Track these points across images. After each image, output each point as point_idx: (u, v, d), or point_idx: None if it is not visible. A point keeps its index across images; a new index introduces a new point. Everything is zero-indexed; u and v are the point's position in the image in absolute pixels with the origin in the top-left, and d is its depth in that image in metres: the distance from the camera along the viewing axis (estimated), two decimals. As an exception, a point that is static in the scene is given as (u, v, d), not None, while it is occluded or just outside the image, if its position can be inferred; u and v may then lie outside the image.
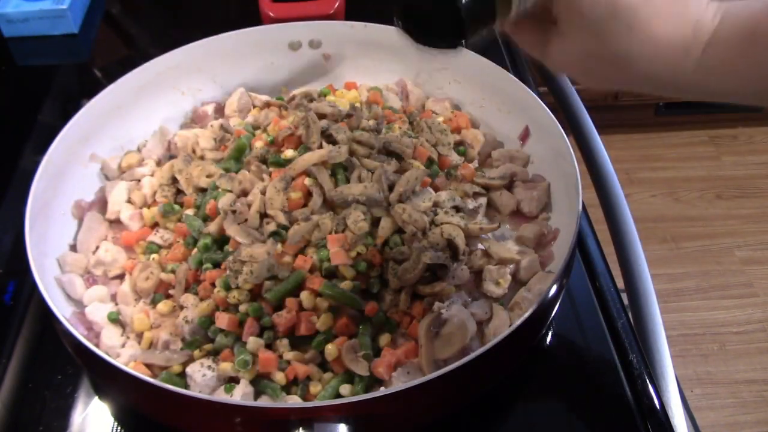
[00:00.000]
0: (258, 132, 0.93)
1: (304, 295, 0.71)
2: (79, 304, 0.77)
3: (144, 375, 0.64)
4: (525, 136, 0.93)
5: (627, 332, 0.77)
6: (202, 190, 0.85)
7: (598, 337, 0.78)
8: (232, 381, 0.69)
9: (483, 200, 0.87)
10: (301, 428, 0.58)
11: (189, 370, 0.69)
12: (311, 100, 0.96)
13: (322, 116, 0.89)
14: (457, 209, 0.82)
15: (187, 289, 0.76)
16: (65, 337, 0.67)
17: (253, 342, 0.69)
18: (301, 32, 1.03)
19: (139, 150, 0.96)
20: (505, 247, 0.81)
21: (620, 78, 0.54)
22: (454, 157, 0.92)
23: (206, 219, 0.81)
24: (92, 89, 0.91)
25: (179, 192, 0.88)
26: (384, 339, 0.72)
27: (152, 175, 0.90)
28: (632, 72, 0.53)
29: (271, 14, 1.13)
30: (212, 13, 1.36)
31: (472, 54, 0.95)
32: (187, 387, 0.69)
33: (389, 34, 0.99)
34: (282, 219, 0.77)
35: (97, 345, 0.71)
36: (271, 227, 0.77)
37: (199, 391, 0.68)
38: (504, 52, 1.16)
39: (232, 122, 0.98)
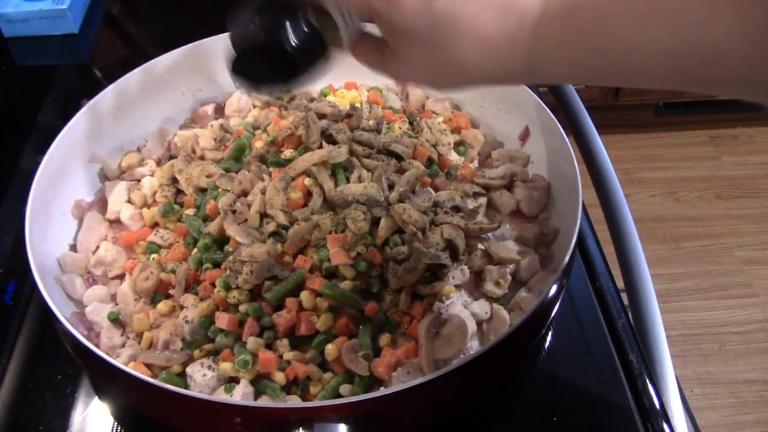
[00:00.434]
0: (258, 132, 0.93)
1: (304, 295, 0.71)
2: (79, 304, 0.77)
3: (144, 375, 0.64)
4: (525, 136, 0.93)
5: (627, 332, 0.77)
6: (202, 190, 0.85)
7: (598, 337, 0.78)
8: (232, 381, 0.69)
9: (483, 200, 0.87)
10: (301, 428, 0.58)
11: (189, 370, 0.69)
12: (311, 100, 0.96)
13: (322, 116, 0.89)
14: (457, 209, 0.82)
15: (187, 289, 0.76)
16: (65, 337, 0.67)
17: (253, 342, 0.69)
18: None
19: (139, 150, 0.96)
20: (505, 247, 0.81)
21: (463, 81, 0.55)
22: (454, 157, 0.92)
23: (206, 219, 0.81)
24: (92, 89, 0.91)
25: (179, 192, 0.88)
26: (384, 339, 0.72)
27: (152, 175, 0.90)
28: (471, 74, 0.53)
29: (271, 14, 1.13)
30: (212, 13, 1.36)
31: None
32: (187, 387, 0.69)
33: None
34: (282, 219, 0.77)
35: (97, 345, 0.71)
36: (271, 227, 0.77)
37: (199, 391, 0.68)
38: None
39: (232, 122, 0.98)
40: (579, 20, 0.48)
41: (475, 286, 0.78)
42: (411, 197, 0.80)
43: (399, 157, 0.85)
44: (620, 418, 0.71)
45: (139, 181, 0.89)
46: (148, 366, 0.70)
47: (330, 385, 0.68)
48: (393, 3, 0.50)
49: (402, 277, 0.73)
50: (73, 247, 0.83)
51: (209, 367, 0.69)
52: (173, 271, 0.77)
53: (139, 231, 0.84)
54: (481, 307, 0.75)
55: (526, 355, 0.76)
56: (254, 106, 1.01)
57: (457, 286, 0.76)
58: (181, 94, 1.01)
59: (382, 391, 0.62)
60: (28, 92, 1.17)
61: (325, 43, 0.56)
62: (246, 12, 0.56)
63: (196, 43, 0.99)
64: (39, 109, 1.10)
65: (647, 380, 0.73)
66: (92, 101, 0.89)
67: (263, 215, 0.79)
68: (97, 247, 0.82)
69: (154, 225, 0.85)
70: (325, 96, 1.00)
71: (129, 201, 0.87)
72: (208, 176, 0.85)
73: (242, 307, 0.71)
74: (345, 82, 1.04)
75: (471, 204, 0.86)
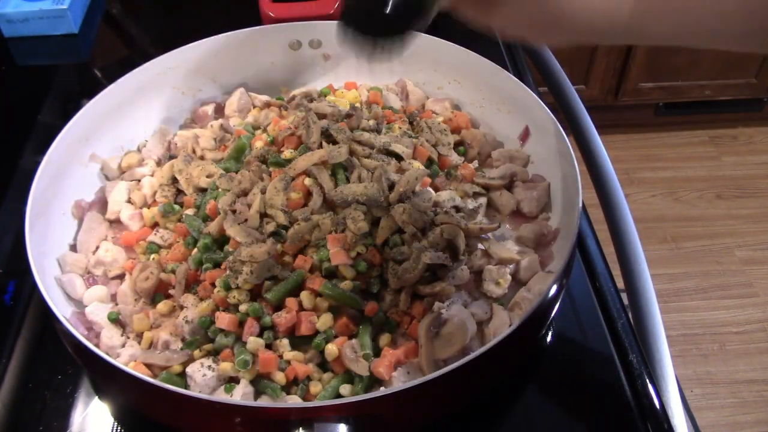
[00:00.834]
0: (258, 132, 0.93)
1: (304, 295, 0.71)
2: (79, 304, 0.77)
3: (144, 375, 0.64)
4: (525, 136, 0.93)
5: (627, 332, 0.77)
6: (202, 190, 0.85)
7: (598, 337, 0.78)
8: (232, 381, 0.69)
9: (483, 200, 0.87)
10: (301, 428, 0.58)
11: (189, 370, 0.69)
12: (311, 100, 0.96)
13: (322, 116, 0.89)
14: (457, 209, 0.82)
15: (187, 289, 0.76)
16: (65, 337, 0.67)
17: (253, 342, 0.69)
18: (301, 32, 1.03)
19: (139, 150, 0.96)
20: (505, 247, 0.81)
21: (565, 34, 0.57)
22: (454, 157, 0.92)
23: (206, 219, 0.81)
24: (92, 89, 0.91)
25: (179, 192, 0.88)
26: (384, 339, 0.72)
27: (152, 175, 0.90)
28: (575, 28, 0.55)
29: (271, 14, 1.13)
30: (212, 13, 1.36)
31: (473, 54, 0.95)
32: (187, 387, 0.69)
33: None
34: (282, 219, 0.77)
35: (97, 345, 0.71)
36: (271, 227, 0.77)
37: (199, 391, 0.68)
38: (504, 52, 1.16)
39: (232, 122, 0.98)
40: None
41: (475, 286, 0.78)
42: (411, 197, 0.80)
43: (399, 157, 0.85)
44: (620, 418, 0.71)
45: (139, 181, 0.89)
46: (148, 366, 0.70)
47: (330, 385, 0.68)
48: None
49: (402, 277, 0.73)
50: (73, 247, 0.83)
51: (209, 367, 0.69)
52: (173, 271, 0.77)
53: (139, 231, 0.84)
54: (481, 307, 0.75)
55: (526, 355, 0.76)
56: (254, 106, 1.01)
57: (457, 286, 0.76)
58: (181, 94, 1.01)
59: (382, 391, 0.62)
60: (28, 92, 1.16)
61: None
62: None
63: (196, 43, 0.99)
64: (39, 109, 1.10)
65: (647, 380, 0.73)
66: (92, 101, 0.89)
67: (263, 215, 0.79)
68: (97, 247, 0.82)
69: (154, 225, 0.85)
70: (325, 96, 1.00)
71: (129, 201, 0.87)
72: (208, 176, 0.85)
73: (242, 307, 0.71)
74: (345, 82, 1.04)
75: (471, 204, 0.86)
